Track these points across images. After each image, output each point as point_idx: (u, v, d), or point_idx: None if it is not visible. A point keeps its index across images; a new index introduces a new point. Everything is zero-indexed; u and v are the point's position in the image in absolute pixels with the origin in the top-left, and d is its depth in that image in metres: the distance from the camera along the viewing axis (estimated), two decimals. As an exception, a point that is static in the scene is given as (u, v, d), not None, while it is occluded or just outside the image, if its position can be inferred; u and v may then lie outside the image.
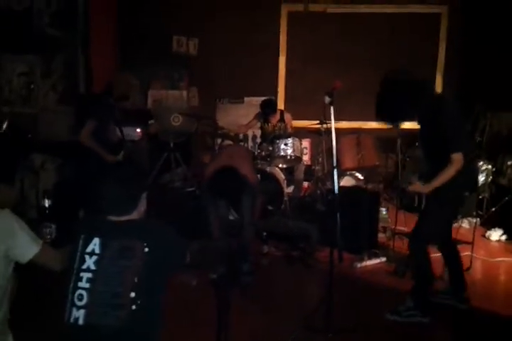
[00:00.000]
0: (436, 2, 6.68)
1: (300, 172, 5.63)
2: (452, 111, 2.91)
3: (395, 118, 3.04)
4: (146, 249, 1.69)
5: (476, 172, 3.11)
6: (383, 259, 4.10)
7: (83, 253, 1.72)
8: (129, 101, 4.25)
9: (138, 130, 4.74)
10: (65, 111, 5.50)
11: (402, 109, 2.90)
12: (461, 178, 2.82)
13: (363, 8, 6.73)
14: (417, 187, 3.01)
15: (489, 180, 4.99)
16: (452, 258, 3.28)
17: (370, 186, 5.35)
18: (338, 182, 2.91)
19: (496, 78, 5.70)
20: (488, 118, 5.58)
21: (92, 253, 1.71)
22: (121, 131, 4.24)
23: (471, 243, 3.98)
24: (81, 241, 1.74)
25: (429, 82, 3.02)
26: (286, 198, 5.13)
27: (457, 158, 2.76)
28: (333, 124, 2.84)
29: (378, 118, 3.06)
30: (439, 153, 2.85)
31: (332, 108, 2.84)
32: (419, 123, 3.03)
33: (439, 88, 6.88)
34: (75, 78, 5.82)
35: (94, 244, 1.72)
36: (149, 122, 5.68)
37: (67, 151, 4.56)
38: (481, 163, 4.95)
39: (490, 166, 5.03)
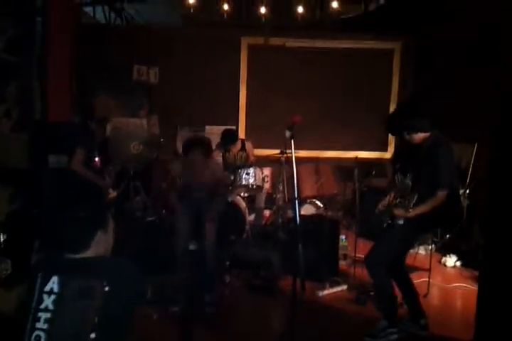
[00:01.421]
0: (389, 39, 7.04)
1: (261, 201, 5.67)
2: (448, 151, 3.13)
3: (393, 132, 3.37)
4: (106, 288, 1.64)
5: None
6: (344, 287, 4.14)
7: (41, 291, 1.65)
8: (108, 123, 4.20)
9: (96, 159, 4.67)
10: (19, 138, 5.33)
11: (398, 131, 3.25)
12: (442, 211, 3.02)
13: (320, 43, 6.99)
14: (401, 213, 3.10)
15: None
16: (406, 286, 3.36)
17: (329, 214, 5.43)
18: (299, 212, 2.95)
19: (445, 110, 5.99)
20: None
21: (50, 292, 1.64)
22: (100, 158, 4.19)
23: (428, 269, 4.08)
24: (39, 280, 1.67)
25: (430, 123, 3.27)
26: (248, 227, 5.13)
27: (440, 196, 2.98)
28: (293, 158, 2.90)
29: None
30: (426, 184, 3.03)
31: (293, 142, 2.90)
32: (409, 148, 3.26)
33: (392, 119, 7.18)
34: (31, 105, 5.68)
35: (53, 282, 1.65)
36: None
37: (19, 180, 4.41)
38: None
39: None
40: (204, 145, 3.66)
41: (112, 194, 4.08)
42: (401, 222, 3.10)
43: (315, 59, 6.94)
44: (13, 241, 2.85)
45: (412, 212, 3.03)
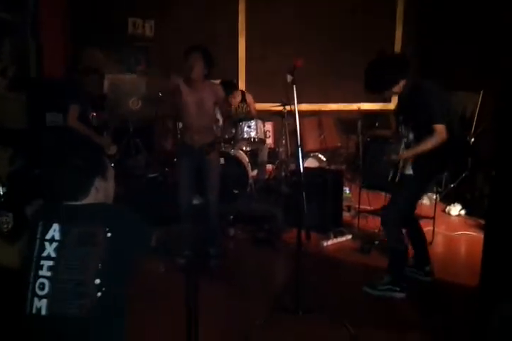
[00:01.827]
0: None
1: (264, 155, 5.62)
2: (430, 89, 2.99)
3: (380, 87, 3.13)
4: (109, 234, 1.63)
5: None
6: (349, 237, 4.16)
7: (42, 240, 1.64)
8: (99, 74, 4.07)
9: (94, 114, 4.60)
10: (16, 97, 5.24)
11: (386, 79, 3.06)
12: (441, 155, 2.95)
13: (320, -11, 6.70)
14: (403, 154, 3.04)
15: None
16: (415, 233, 3.37)
17: (333, 167, 5.40)
18: (303, 164, 2.90)
19: (450, 59, 5.82)
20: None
21: (52, 240, 1.63)
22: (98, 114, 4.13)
23: (433, 218, 4.09)
24: (40, 228, 1.65)
25: (407, 68, 3.16)
26: (250, 181, 5.11)
27: (440, 129, 2.86)
28: (295, 103, 2.81)
29: (367, 87, 3.18)
30: (423, 125, 2.93)
31: (294, 86, 2.80)
32: (400, 99, 3.17)
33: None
34: (26, 63, 5.54)
35: (54, 230, 1.63)
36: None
37: (19, 140, 4.36)
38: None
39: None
40: (205, 50, 3.41)
41: (112, 150, 4.04)
42: (410, 171, 3.04)
43: (315, 8, 6.67)
44: (13, 195, 2.84)
45: (416, 149, 2.95)
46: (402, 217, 3.13)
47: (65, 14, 6.16)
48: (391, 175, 3.15)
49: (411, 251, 3.35)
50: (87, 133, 3.80)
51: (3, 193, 2.64)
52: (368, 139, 5.40)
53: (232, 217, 4.40)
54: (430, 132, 2.89)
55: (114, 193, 1.87)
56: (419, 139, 2.99)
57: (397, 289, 3.14)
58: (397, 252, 3.18)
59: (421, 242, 3.36)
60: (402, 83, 3.06)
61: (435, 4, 6.35)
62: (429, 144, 2.91)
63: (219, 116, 4.69)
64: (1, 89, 5.37)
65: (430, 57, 6.44)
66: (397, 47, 6.92)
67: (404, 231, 3.33)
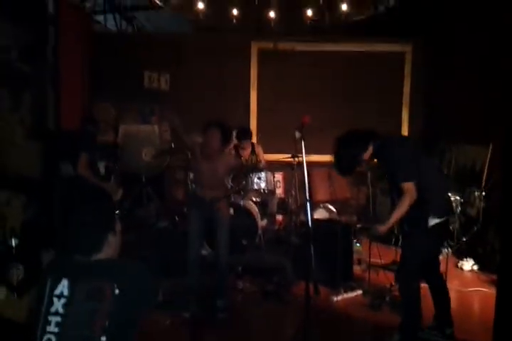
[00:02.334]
0: (400, 41, 6.99)
1: (273, 206, 5.63)
2: (396, 148, 3.05)
3: (346, 171, 3.24)
4: (117, 291, 1.63)
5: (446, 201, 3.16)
6: (359, 292, 4.08)
7: (51, 295, 1.65)
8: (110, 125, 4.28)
9: (105, 163, 4.73)
10: (32, 146, 5.39)
11: (349, 163, 3.15)
12: (428, 206, 2.92)
13: (330, 47, 6.97)
14: (380, 228, 3.03)
15: (458, 211, 5.10)
16: (438, 292, 3.25)
17: (343, 218, 5.38)
18: (312, 215, 2.91)
19: (459, 112, 5.93)
20: (454, 152, 5.76)
21: (60, 296, 1.64)
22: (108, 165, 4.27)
23: (445, 273, 4.00)
24: (49, 283, 1.67)
25: (371, 133, 3.14)
26: (260, 232, 5.09)
27: (408, 187, 2.87)
28: (304, 158, 2.87)
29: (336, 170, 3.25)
30: (395, 184, 2.97)
31: (303, 142, 2.88)
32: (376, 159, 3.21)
33: (405, 123, 7.12)
34: (44, 113, 5.74)
35: (63, 286, 1.65)
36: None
37: (33, 188, 4.45)
38: (450, 194, 5.06)
39: (458, 197, 5.15)
40: (224, 127, 3.57)
41: (118, 195, 4.11)
42: (407, 228, 3.05)
43: (325, 63, 6.91)
44: (25, 247, 2.86)
45: (393, 216, 2.93)
46: (414, 273, 3.06)
47: (85, 66, 6.45)
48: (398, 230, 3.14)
49: (429, 311, 3.26)
50: (93, 180, 3.91)
51: (16, 245, 2.67)
52: (378, 192, 5.41)
53: (240, 268, 4.35)
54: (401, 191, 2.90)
55: (123, 243, 1.90)
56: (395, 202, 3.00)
57: None
58: (409, 311, 3.09)
59: (443, 302, 3.23)
60: (370, 148, 3.10)
61: (441, 59, 6.56)
62: (402, 207, 2.89)
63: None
64: (18, 138, 5.54)
65: (438, 110, 6.57)
66: (406, 99, 7.07)
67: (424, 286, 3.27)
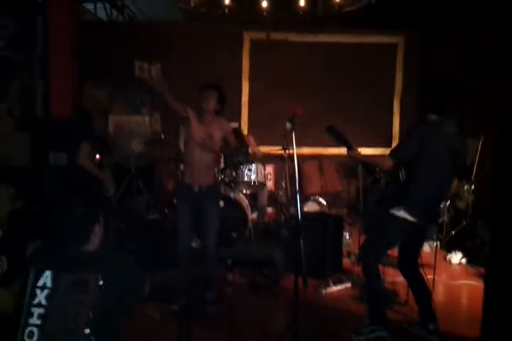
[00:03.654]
0: (392, 33, 6.96)
1: (264, 198, 5.62)
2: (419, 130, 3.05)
3: None
4: (101, 282, 1.62)
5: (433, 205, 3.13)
6: (348, 284, 4.08)
7: (34, 287, 1.63)
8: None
9: (97, 156, 4.66)
10: (21, 136, 5.31)
11: None
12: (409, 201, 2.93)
13: (322, 38, 6.93)
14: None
15: (447, 204, 5.12)
16: (417, 287, 3.26)
17: (333, 211, 5.39)
18: (302, 208, 2.90)
19: (451, 105, 5.91)
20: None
21: (43, 287, 1.62)
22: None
23: (433, 266, 4.02)
24: (31, 275, 1.65)
25: None
26: (250, 224, 5.08)
27: (388, 161, 2.92)
28: (295, 150, 2.86)
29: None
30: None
31: (294, 134, 2.85)
32: None
33: (396, 114, 7.12)
34: (33, 103, 5.66)
35: (46, 277, 1.63)
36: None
37: (22, 178, 4.39)
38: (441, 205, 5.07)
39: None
40: (221, 89, 3.56)
41: (111, 191, 4.07)
42: (394, 211, 3.00)
43: (317, 54, 6.88)
44: (9, 239, 2.82)
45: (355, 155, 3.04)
46: (373, 251, 3.09)
47: (73, 56, 6.35)
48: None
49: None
50: (95, 172, 3.86)
51: (0, 237, 2.63)
52: (369, 185, 5.40)
53: (230, 261, 4.34)
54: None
55: (114, 235, 1.88)
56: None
57: (380, 328, 3.07)
58: (370, 289, 3.16)
59: (423, 297, 3.22)
60: None
61: (434, 50, 6.54)
62: (378, 162, 3.01)
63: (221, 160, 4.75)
64: (7, 128, 5.46)
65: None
66: (398, 90, 7.06)
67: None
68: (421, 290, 3.23)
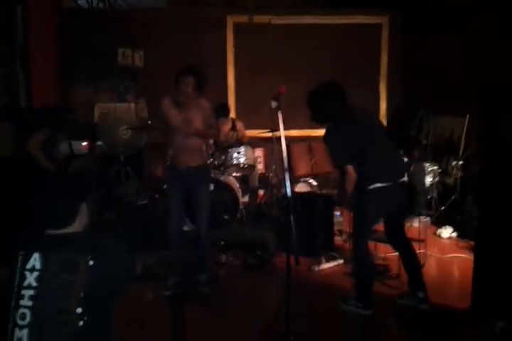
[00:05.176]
0: (376, 13, 6.92)
1: (254, 181, 5.62)
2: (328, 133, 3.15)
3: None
4: (91, 262, 1.62)
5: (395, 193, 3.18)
6: (340, 261, 4.13)
7: (23, 269, 1.63)
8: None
9: (84, 143, 4.62)
10: (4, 126, 5.25)
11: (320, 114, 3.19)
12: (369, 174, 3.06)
13: (307, 19, 6.87)
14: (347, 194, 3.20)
15: (436, 180, 5.17)
16: (407, 259, 3.34)
17: (324, 191, 5.41)
18: (293, 189, 2.92)
19: (436, 84, 5.94)
20: (432, 122, 5.79)
21: (32, 270, 1.62)
22: (71, 146, 4.15)
23: (424, 241, 4.08)
24: (20, 258, 1.64)
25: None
26: (241, 207, 5.09)
27: (348, 170, 3.03)
28: (281, 128, 2.85)
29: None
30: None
31: (280, 112, 2.84)
32: None
33: (383, 95, 7.12)
34: (15, 93, 5.59)
35: (34, 259, 1.63)
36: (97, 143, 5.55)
37: (6, 169, 4.36)
38: (427, 164, 5.13)
39: (436, 167, 5.21)
40: (197, 72, 3.47)
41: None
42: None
43: (302, 36, 6.82)
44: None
45: (344, 196, 3.22)
46: (360, 233, 3.22)
47: (55, 44, 6.26)
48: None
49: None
50: (42, 161, 3.79)
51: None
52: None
53: (223, 243, 4.36)
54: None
55: (104, 221, 1.88)
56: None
57: (360, 305, 3.18)
58: (361, 268, 3.25)
59: (413, 268, 3.32)
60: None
61: (419, 29, 6.52)
62: (348, 186, 3.08)
63: (211, 141, 4.71)
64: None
65: (416, 82, 6.57)
66: (383, 72, 7.05)
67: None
68: (412, 260, 3.32)
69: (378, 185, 3.06)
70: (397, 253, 3.51)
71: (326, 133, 3.14)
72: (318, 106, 3.13)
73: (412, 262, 3.32)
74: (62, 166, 4.04)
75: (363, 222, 3.20)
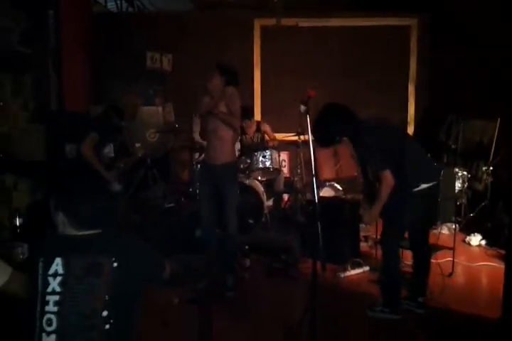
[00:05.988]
0: (405, 15, 6.83)
1: (279, 185, 5.61)
2: (373, 137, 3.06)
3: (323, 143, 3.24)
4: (115, 264, 1.61)
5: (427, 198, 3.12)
6: (366, 268, 4.08)
7: (45, 275, 1.61)
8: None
9: (111, 154, 4.73)
10: (37, 129, 5.38)
11: (328, 135, 3.15)
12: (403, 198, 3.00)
13: (334, 22, 6.83)
14: (368, 217, 3.17)
15: (465, 186, 5.05)
16: (422, 265, 3.33)
17: (349, 196, 5.36)
18: (318, 193, 2.89)
19: (465, 87, 5.82)
20: (461, 127, 5.68)
21: (55, 275, 1.61)
22: (115, 148, 4.27)
23: (452, 248, 3.99)
24: (40, 264, 1.63)
25: (352, 114, 3.16)
26: (266, 211, 5.09)
27: (385, 175, 2.93)
28: (309, 133, 2.83)
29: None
30: (374, 175, 3.08)
31: (308, 117, 2.83)
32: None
33: (411, 98, 7.01)
34: (47, 96, 5.72)
35: (56, 264, 1.61)
36: (136, 145, 5.66)
37: (39, 171, 4.46)
38: (457, 169, 5.03)
39: (465, 172, 5.10)
40: (224, 67, 3.61)
41: (115, 187, 4.10)
42: None
43: (329, 38, 6.79)
44: (31, 228, 2.87)
45: (377, 205, 3.02)
46: (393, 237, 3.16)
47: (86, 48, 6.39)
48: None
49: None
50: (95, 164, 3.88)
51: (20, 225, 2.67)
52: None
53: (247, 247, 4.36)
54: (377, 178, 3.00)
55: (131, 224, 1.89)
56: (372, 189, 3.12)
57: (387, 310, 3.16)
58: (390, 274, 3.21)
59: (423, 273, 3.32)
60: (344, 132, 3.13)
61: (448, 32, 6.41)
62: (382, 196, 2.98)
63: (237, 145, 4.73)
64: (23, 122, 5.53)
65: (445, 85, 6.45)
66: (412, 75, 6.94)
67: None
68: (424, 266, 3.31)
69: (424, 186, 3.03)
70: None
71: (358, 142, 3.11)
72: (327, 130, 3.11)
73: (425, 269, 3.32)
74: (109, 169, 4.16)
75: (400, 227, 3.15)
